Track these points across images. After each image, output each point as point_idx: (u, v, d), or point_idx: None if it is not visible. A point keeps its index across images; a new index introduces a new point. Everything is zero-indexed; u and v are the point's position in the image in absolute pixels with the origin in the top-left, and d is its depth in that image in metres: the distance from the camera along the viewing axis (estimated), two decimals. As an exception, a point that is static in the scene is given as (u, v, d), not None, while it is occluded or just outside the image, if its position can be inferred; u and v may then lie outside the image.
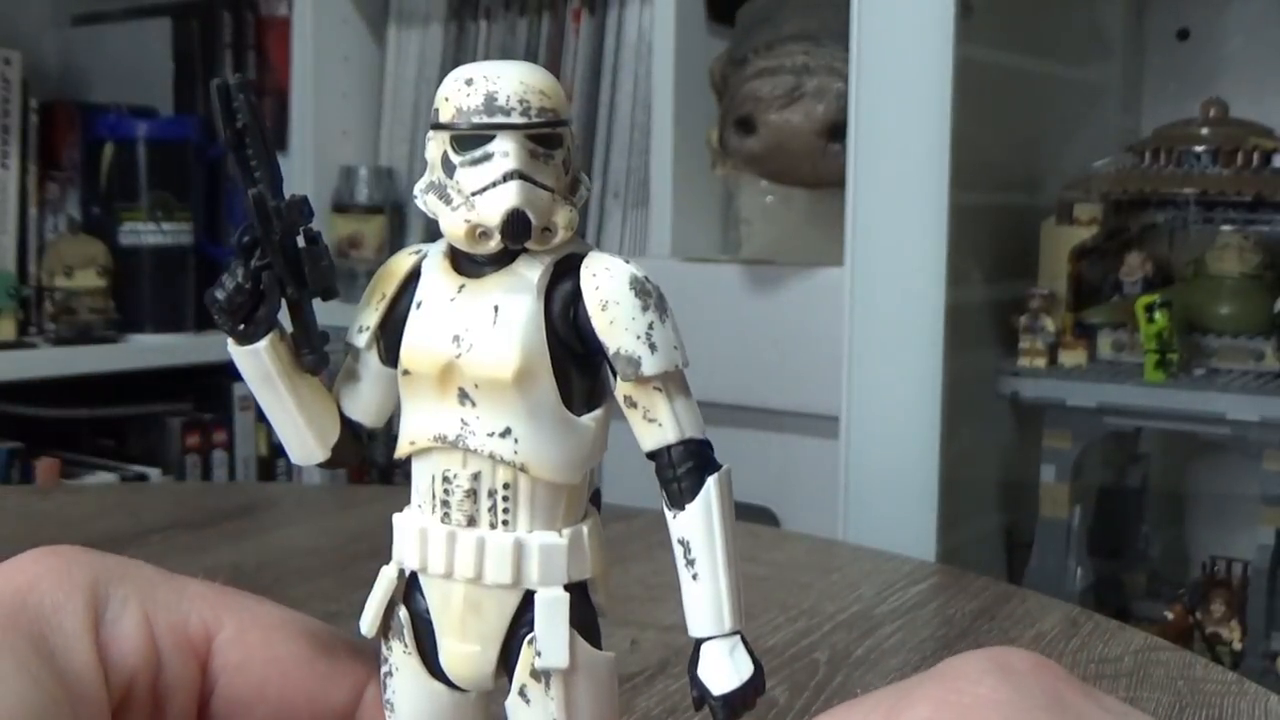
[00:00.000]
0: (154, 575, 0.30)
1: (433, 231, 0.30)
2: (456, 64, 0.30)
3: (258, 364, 0.31)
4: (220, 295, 0.30)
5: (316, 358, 0.31)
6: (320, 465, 0.32)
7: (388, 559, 0.31)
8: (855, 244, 1.05)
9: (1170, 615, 1.07)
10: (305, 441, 0.32)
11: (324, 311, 0.31)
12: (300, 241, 0.30)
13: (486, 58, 1.64)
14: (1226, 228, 1.10)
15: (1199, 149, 1.09)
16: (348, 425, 0.32)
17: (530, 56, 1.57)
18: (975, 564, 0.97)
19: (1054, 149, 1.26)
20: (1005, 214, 1.17)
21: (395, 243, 1.68)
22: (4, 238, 1.59)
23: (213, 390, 1.70)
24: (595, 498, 0.32)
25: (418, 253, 0.32)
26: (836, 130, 1.11)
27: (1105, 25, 1.33)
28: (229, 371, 1.73)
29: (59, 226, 1.65)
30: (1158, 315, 1.02)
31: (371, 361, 0.32)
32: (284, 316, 0.31)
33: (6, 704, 0.25)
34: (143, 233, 1.63)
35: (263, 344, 0.31)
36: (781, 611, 0.61)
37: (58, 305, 1.59)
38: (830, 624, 0.59)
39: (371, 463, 1.61)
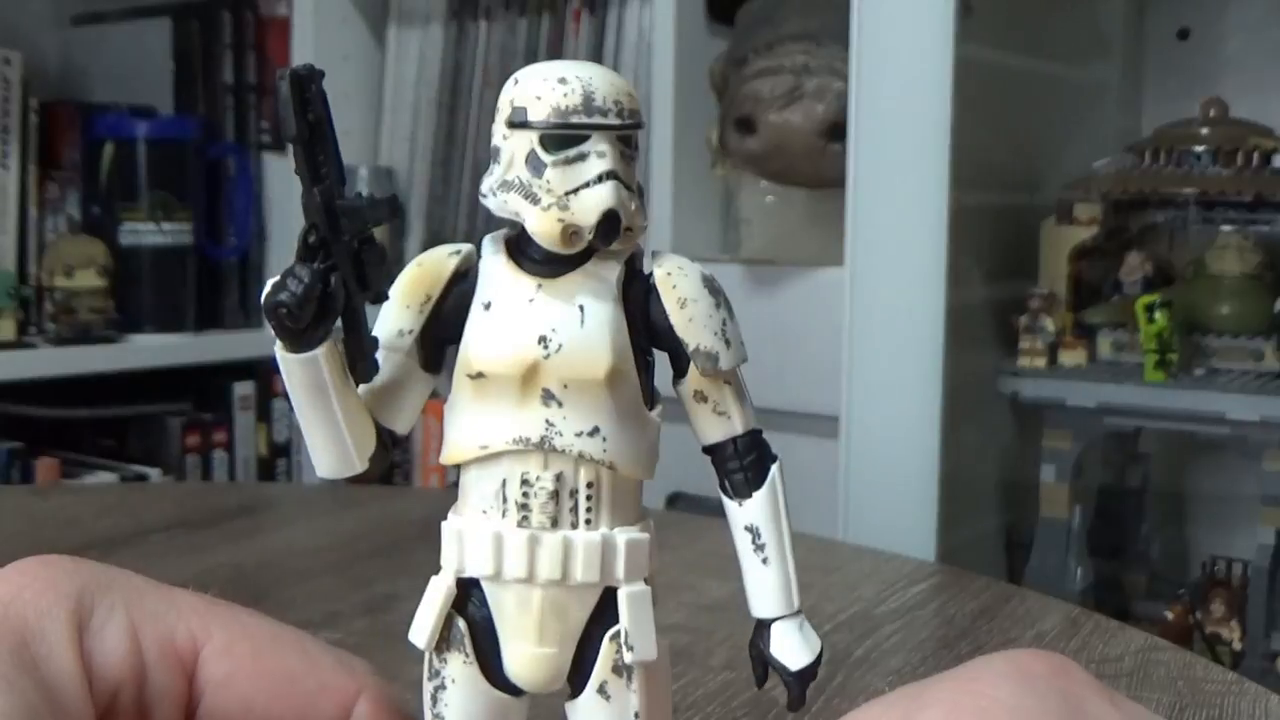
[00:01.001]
0: (143, 585, 0.29)
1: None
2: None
3: (313, 373, 0.29)
4: (286, 298, 0.28)
5: (370, 364, 0.30)
6: (356, 478, 0.31)
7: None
8: (855, 244, 1.05)
9: (1170, 615, 1.07)
10: (345, 453, 0.31)
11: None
12: (355, 243, 0.29)
13: (487, 58, 1.64)
14: (1226, 228, 1.10)
15: (1199, 149, 1.09)
16: (378, 433, 0.31)
17: (530, 57, 1.57)
18: (975, 564, 0.96)
19: (1054, 149, 1.26)
20: (1005, 214, 1.17)
21: (395, 243, 1.68)
22: (4, 238, 1.59)
23: (213, 390, 1.69)
24: None
25: (457, 253, 0.31)
26: (836, 130, 1.11)
27: (1105, 25, 1.33)
28: (229, 371, 1.71)
29: (59, 226, 1.64)
30: (1158, 315, 1.02)
31: (412, 367, 0.31)
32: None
33: None
34: (143, 233, 1.63)
35: (319, 351, 0.29)
36: (782, 611, 0.61)
37: (58, 305, 1.59)
38: (830, 624, 0.59)
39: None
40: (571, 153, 0.29)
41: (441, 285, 0.31)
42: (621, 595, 0.30)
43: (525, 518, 0.30)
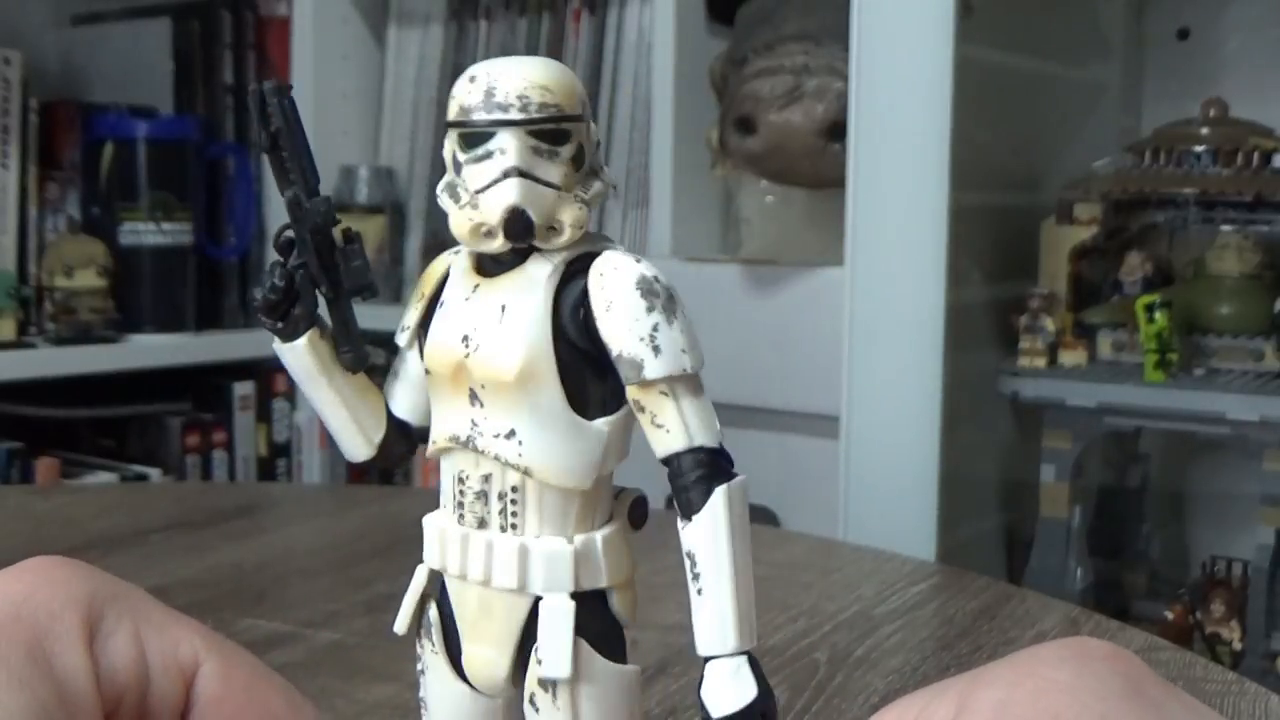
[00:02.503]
0: (148, 599, 0.30)
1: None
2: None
3: (299, 360, 0.32)
4: (259, 294, 0.31)
5: (355, 355, 0.32)
6: (371, 462, 0.33)
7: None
8: (855, 244, 1.05)
9: (1170, 615, 1.07)
10: (352, 437, 0.32)
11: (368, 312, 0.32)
12: (340, 241, 0.31)
13: (487, 58, 1.64)
14: (1226, 228, 1.10)
15: (1199, 149, 1.09)
16: (395, 423, 0.33)
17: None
18: (975, 564, 0.96)
19: (1054, 149, 1.26)
20: (1005, 214, 1.17)
21: (395, 243, 1.68)
22: (4, 238, 1.59)
23: (213, 390, 1.69)
24: (640, 506, 0.32)
25: (456, 253, 0.32)
26: (836, 130, 1.11)
27: (1105, 25, 1.33)
28: (229, 371, 1.71)
29: (59, 226, 1.64)
30: (1158, 315, 1.02)
31: (412, 360, 0.32)
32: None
33: (3, 713, 0.25)
34: (143, 233, 1.63)
35: (301, 342, 0.31)
36: (782, 611, 0.61)
37: (58, 305, 1.59)
38: (830, 624, 0.59)
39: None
40: (480, 151, 0.29)
41: (434, 284, 0.32)
42: (541, 607, 0.30)
43: (461, 515, 0.30)
